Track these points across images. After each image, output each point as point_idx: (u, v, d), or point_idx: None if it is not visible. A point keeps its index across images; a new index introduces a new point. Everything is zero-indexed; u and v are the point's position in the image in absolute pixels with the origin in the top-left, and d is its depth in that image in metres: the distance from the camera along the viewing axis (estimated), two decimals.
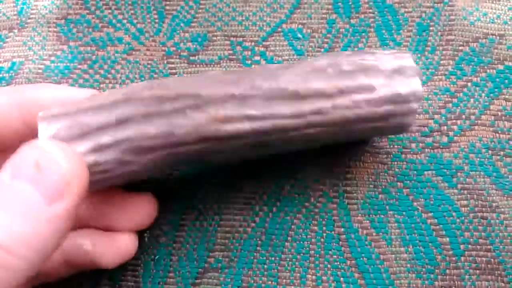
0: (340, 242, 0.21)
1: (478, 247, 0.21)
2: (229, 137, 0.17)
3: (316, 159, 0.22)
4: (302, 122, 0.18)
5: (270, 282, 0.21)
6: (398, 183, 0.22)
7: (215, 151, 0.18)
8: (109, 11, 0.26)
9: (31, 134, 0.18)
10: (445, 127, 0.23)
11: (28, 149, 0.15)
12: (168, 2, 0.26)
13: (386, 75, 0.18)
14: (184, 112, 0.17)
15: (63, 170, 0.15)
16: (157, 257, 0.22)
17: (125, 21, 0.26)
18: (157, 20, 0.26)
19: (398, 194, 0.22)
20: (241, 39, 0.25)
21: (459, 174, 0.22)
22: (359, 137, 0.21)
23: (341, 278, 0.21)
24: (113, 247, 0.19)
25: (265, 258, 0.21)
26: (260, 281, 0.21)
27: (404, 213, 0.22)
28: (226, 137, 0.17)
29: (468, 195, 0.22)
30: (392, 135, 0.22)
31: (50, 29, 0.26)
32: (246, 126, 0.17)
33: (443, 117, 0.23)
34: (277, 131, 0.18)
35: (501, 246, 0.21)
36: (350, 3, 0.25)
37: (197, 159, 0.19)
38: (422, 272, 0.21)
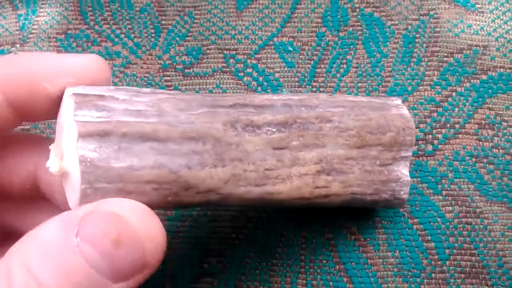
0: (330, 248, 0.22)
1: (463, 251, 0.22)
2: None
3: None
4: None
5: (262, 287, 0.22)
6: None
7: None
8: (107, 26, 0.27)
9: (11, 111, 0.16)
10: (430, 136, 0.24)
11: (106, 215, 0.13)
12: (164, 17, 0.27)
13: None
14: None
15: (145, 252, 0.13)
16: None
17: (122, 35, 0.27)
18: (153, 35, 0.27)
19: None
20: (234, 52, 0.26)
21: (443, 181, 0.23)
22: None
23: (330, 282, 0.22)
24: None
25: (257, 263, 0.22)
26: (253, 286, 0.22)
27: (391, 219, 0.22)
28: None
29: (453, 201, 0.23)
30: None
31: (50, 43, 0.27)
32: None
33: (428, 126, 0.24)
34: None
35: (485, 251, 0.22)
36: (339, 16, 0.26)
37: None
38: (408, 276, 0.22)
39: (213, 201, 0.16)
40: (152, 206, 0.14)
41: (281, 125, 0.17)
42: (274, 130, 0.17)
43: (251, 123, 0.17)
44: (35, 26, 0.28)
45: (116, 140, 0.14)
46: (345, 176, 0.18)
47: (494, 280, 0.21)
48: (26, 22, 0.28)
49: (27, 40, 0.28)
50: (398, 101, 0.20)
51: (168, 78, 0.26)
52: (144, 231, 0.13)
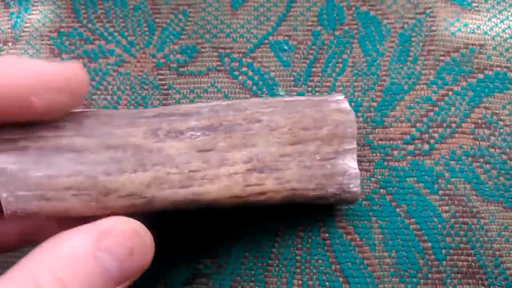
0: (325, 248, 0.22)
1: (459, 251, 0.22)
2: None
3: None
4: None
5: (257, 287, 0.22)
6: (381, 190, 0.23)
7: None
8: (101, 24, 0.27)
9: None
10: (427, 135, 0.23)
11: (125, 232, 0.15)
12: (158, 15, 0.27)
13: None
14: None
15: (147, 262, 0.16)
16: None
17: (116, 33, 0.27)
18: (147, 33, 0.26)
19: (381, 200, 0.23)
20: (229, 50, 0.26)
21: (440, 180, 0.23)
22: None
23: (327, 283, 0.21)
24: None
25: (252, 264, 0.22)
26: (248, 287, 0.22)
27: (387, 219, 0.22)
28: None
29: (449, 201, 0.22)
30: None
31: (43, 42, 0.27)
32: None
33: (424, 125, 0.24)
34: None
35: (481, 251, 0.22)
36: (335, 15, 0.26)
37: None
38: (405, 276, 0.21)
39: (139, 205, 0.17)
40: (75, 212, 0.16)
41: (206, 128, 0.18)
42: (198, 134, 0.18)
43: (174, 129, 0.18)
44: (28, 25, 0.28)
45: (33, 153, 0.16)
46: (281, 173, 0.18)
47: (490, 280, 0.21)
48: (19, 20, 0.28)
49: (20, 38, 0.27)
50: (339, 96, 0.20)
51: (162, 77, 0.25)
52: (149, 241, 0.16)
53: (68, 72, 0.16)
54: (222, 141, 0.18)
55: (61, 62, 0.16)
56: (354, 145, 0.19)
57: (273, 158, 0.18)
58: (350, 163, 0.19)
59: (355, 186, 0.19)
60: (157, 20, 0.27)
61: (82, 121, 0.17)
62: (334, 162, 0.19)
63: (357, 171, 0.19)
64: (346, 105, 0.20)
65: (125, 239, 0.15)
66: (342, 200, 0.20)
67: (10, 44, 0.27)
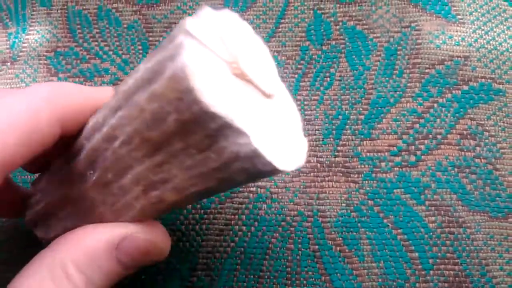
0: (315, 259, 0.23)
1: (446, 261, 0.22)
2: None
3: (291, 182, 0.24)
4: None
5: None
6: (369, 201, 0.23)
7: None
8: (96, 43, 0.28)
9: (62, 133, 0.17)
10: (413, 147, 0.24)
11: (142, 241, 0.17)
12: (151, 34, 0.28)
13: None
14: None
15: (164, 256, 0.18)
16: (143, 277, 0.23)
17: (111, 52, 0.27)
18: (141, 51, 0.27)
19: (369, 212, 0.23)
20: None
21: (426, 191, 0.23)
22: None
23: None
24: None
25: (244, 276, 0.23)
26: None
27: (375, 230, 0.23)
28: None
29: (436, 212, 0.23)
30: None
31: (40, 61, 0.28)
32: None
33: (411, 137, 0.24)
34: None
35: (468, 260, 0.22)
36: (322, 30, 0.27)
37: None
38: (393, 286, 0.22)
39: None
40: None
41: (90, 168, 0.16)
42: (91, 172, 0.17)
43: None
44: (25, 44, 0.28)
45: None
46: (172, 183, 0.15)
47: None
48: (17, 40, 0.29)
49: (18, 58, 0.28)
50: (180, 38, 0.13)
51: None
52: (165, 242, 0.18)
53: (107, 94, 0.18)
54: (107, 173, 0.16)
55: (106, 88, 0.18)
56: (227, 118, 0.13)
57: (153, 172, 0.15)
58: (239, 139, 0.14)
59: (250, 146, 0.14)
60: (150, 39, 0.27)
61: None
62: (217, 147, 0.14)
63: (247, 133, 0.14)
64: (182, 60, 0.13)
65: (142, 246, 0.16)
66: (261, 171, 0.14)
67: (8, 64, 0.28)
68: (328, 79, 0.26)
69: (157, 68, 0.14)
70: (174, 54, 0.13)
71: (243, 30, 0.17)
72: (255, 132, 0.14)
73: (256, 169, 0.14)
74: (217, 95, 0.13)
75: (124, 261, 0.16)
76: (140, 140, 0.15)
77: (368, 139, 0.24)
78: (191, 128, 0.14)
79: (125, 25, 0.28)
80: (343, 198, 0.23)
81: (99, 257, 0.16)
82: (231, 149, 0.14)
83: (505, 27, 0.26)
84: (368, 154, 0.24)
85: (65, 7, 0.29)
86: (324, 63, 0.26)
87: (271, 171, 0.14)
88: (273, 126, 0.15)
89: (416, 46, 0.26)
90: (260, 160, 0.14)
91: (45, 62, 0.28)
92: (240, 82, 0.15)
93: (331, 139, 0.24)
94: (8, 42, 0.29)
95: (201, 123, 0.14)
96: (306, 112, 0.25)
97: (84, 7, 0.29)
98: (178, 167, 0.15)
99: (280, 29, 0.27)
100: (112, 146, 0.15)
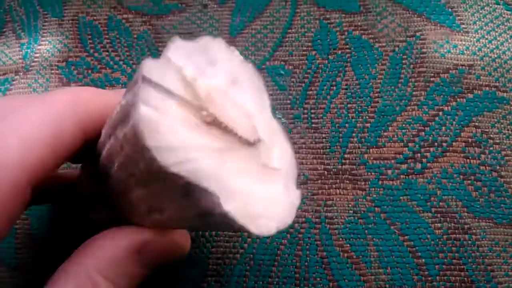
0: (323, 266, 0.23)
1: (452, 267, 0.23)
2: None
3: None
4: None
5: None
6: (376, 208, 0.24)
7: None
8: (107, 53, 0.28)
9: (86, 138, 0.17)
10: (419, 154, 0.24)
11: (164, 244, 0.17)
12: (160, 44, 0.28)
13: None
14: None
15: (185, 255, 0.18)
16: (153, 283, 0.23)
17: (121, 62, 0.28)
18: None
19: (376, 218, 0.24)
20: None
21: (432, 198, 0.24)
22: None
23: None
24: None
25: (254, 282, 0.23)
26: None
27: (382, 236, 0.23)
28: None
29: (442, 218, 0.23)
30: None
31: (52, 71, 0.28)
32: None
33: (416, 145, 0.25)
34: None
35: (473, 266, 0.23)
36: (328, 40, 0.27)
37: None
38: None
39: None
40: None
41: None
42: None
43: None
44: (37, 55, 0.29)
45: None
46: (166, 214, 0.15)
47: None
48: (29, 50, 0.29)
49: (30, 68, 0.29)
50: (137, 86, 0.13)
51: None
52: (185, 244, 0.18)
53: None
54: (117, 186, 0.15)
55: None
56: (186, 175, 0.12)
57: (149, 198, 0.15)
58: (209, 198, 0.13)
59: (237, 224, 0.13)
60: (160, 49, 0.28)
61: None
62: (193, 199, 0.13)
63: (219, 201, 0.12)
64: (138, 122, 0.12)
65: (164, 248, 0.17)
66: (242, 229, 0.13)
67: (21, 74, 0.29)
68: (335, 87, 0.26)
69: (126, 110, 0.13)
70: (134, 103, 0.12)
71: (228, 60, 0.15)
72: (229, 190, 0.13)
73: (235, 227, 0.13)
74: (179, 151, 0.12)
75: (148, 263, 0.17)
76: (128, 172, 0.14)
77: (374, 147, 0.25)
78: (162, 176, 0.13)
79: (135, 36, 0.29)
80: (350, 205, 0.24)
81: (124, 263, 0.16)
82: (204, 203, 0.13)
83: (508, 36, 0.27)
84: (374, 161, 0.25)
85: (76, 18, 0.30)
86: (330, 72, 0.27)
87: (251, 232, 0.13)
88: (255, 180, 0.14)
89: (421, 55, 0.26)
90: (235, 222, 0.13)
91: (57, 72, 0.28)
92: (212, 130, 0.13)
93: (338, 146, 0.25)
94: (20, 53, 0.29)
95: (169, 176, 0.13)
96: (313, 121, 0.26)
97: (94, 18, 0.29)
98: (167, 201, 0.14)
99: (287, 39, 0.28)
100: (113, 167, 0.15)
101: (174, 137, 0.12)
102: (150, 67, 0.13)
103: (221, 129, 0.13)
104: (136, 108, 0.12)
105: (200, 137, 0.13)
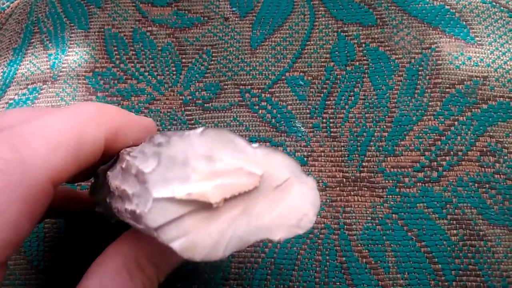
0: (342, 270, 0.24)
1: (468, 272, 0.23)
2: None
3: None
4: None
5: None
6: (393, 215, 0.24)
7: None
8: (132, 64, 0.29)
9: (105, 151, 0.17)
10: (435, 163, 0.25)
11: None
12: (184, 56, 0.29)
13: None
14: None
15: None
16: (178, 285, 0.24)
17: (146, 73, 0.29)
18: (175, 72, 0.29)
19: (394, 225, 0.24)
20: (249, 87, 0.28)
21: (448, 206, 0.24)
22: None
23: None
24: None
25: (275, 286, 0.24)
26: None
27: (399, 242, 0.24)
28: None
29: (457, 225, 0.24)
30: None
31: (79, 81, 0.30)
32: None
33: (433, 154, 0.25)
34: None
35: (489, 272, 0.23)
36: (346, 51, 0.28)
37: None
38: None
39: None
40: None
41: None
42: None
43: None
44: (65, 65, 0.30)
45: None
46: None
47: None
48: (56, 61, 0.30)
49: (58, 78, 0.30)
50: (147, 206, 0.14)
51: (189, 112, 0.28)
52: None
53: (153, 124, 0.19)
54: None
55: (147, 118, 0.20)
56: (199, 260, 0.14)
57: None
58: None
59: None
60: (184, 60, 0.29)
61: None
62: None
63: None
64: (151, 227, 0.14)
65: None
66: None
67: (49, 83, 0.30)
68: (353, 98, 0.27)
69: (131, 215, 0.14)
70: (140, 215, 0.14)
71: (233, 151, 0.15)
72: (258, 226, 0.15)
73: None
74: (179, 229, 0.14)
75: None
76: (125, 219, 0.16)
77: (392, 155, 0.26)
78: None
79: (159, 48, 0.30)
80: (368, 212, 0.25)
81: (169, 250, 0.16)
82: None
83: None
84: (392, 170, 0.25)
85: (102, 29, 0.31)
86: (348, 83, 0.28)
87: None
88: (274, 206, 0.15)
89: (437, 67, 0.27)
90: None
91: (84, 81, 0.30)
92: (224, 220, 0.15)
93: (357, 155, 0.26)
94: (48, 63, 0.31)
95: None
96: (332, 130, 0.27)
97: (120, 30, 0.31)
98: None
99: (305, 51, 0.29)
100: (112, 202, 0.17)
101: (190, 235, 0.14)
102: (158, 185, 0.13)
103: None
104: (145, 219, 0.13)
105: (209, 230, 0.15)
